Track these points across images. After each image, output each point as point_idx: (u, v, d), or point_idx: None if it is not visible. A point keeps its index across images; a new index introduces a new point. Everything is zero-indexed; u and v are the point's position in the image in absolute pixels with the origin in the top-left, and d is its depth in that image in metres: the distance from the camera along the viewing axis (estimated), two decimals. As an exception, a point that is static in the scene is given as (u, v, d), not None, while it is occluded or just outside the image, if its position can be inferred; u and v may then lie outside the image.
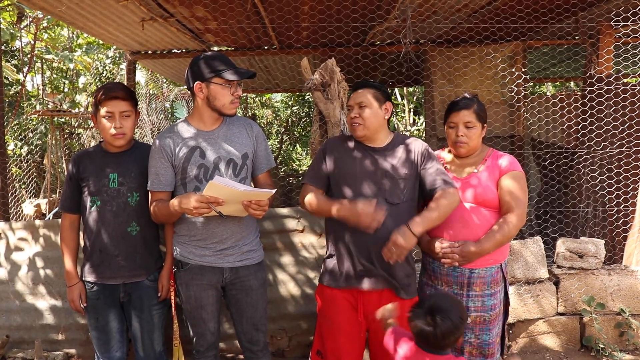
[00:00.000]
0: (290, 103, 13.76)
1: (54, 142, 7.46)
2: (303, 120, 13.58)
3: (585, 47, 4.87)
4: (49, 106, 8.59)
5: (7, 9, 6.77)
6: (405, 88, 11.89)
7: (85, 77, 8.87)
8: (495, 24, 4.60)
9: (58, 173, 7.75)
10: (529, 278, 3.25)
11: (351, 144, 2.24)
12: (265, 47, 5.91)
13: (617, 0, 4.24)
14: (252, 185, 2.34)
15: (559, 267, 3.37)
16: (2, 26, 6.69)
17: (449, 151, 2.38)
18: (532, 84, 10.44)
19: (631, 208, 4.00)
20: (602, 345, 3.19)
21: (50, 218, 6.13)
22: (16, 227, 3.07)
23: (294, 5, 4.22)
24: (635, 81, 4.81)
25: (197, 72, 2.09)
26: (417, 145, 2.19)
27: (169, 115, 11.09)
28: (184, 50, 6.01)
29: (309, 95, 11.49)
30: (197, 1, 4.11)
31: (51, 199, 6.83)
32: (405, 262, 2.13)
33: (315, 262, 3.06)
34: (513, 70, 5.40)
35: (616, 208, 4.21)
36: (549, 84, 11.80)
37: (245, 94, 11.38)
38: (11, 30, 6.93)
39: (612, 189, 4.24)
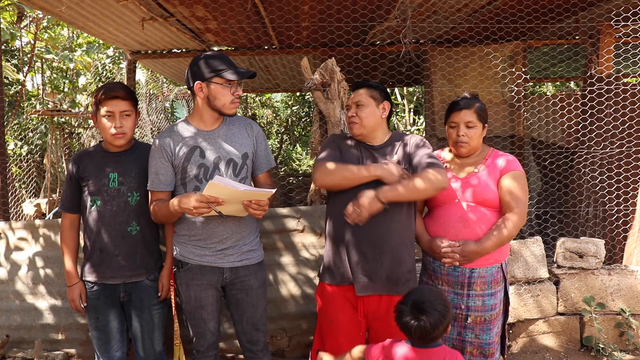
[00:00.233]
0: (290, 103, 13.76)
1: (54, 141, 7.46)
2: (303, 120, 13.59)
3: (586, 47, 4.87)
4: (49, 106, 8.59)
5: (7, 9, 6.76)
6: (405, 88, 11.90)
7: (85, 77, 8.87)
8: (495, 24, 4.60)
9: (58, 173, 7.75)
10: (529, 278, 3.25)
11: (351, 142, 2.26)
12: (266, 47, 5.91)
13: (617, 0, 4.25)
14: (252, 185, 2.34)
15: (559, 267, 3.37)
16: (2, 26, 6.69)
17: (449, 150, 2.38)
18: (532, 83, 10.44)
19: (631, 208, 4.00)
20: (602, 345, 3.19)
21: (50, 218, 6.13)
22: (16, 227, 3.07)
23: (294, 5, 4.22)
24: (635, 81, 4.81)
25: (197, 71, 2.09)
26: (413, 138, 2.21)
27: (169, 115, 11.08)
28: (184, 50, 6.01)
29: (309, 95, 11.49)
30: (197, 1, 4.11)
31: (51, 198, 6.83)
32: (406, 256, 2.13)
33: (315, 262, 3.06)
34: (513, 70, 5.40)
35: (616, 208, 4.22)
36: (549, 84, 11.81)
37: (245, 94, 11.37)
38: (11, 30, 6.93)
39: (612, 189, 4.24)
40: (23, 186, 7.84)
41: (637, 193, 3.73)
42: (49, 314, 3.02)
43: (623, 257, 3.76)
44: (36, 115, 7.54)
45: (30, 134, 8.65)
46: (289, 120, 13.86)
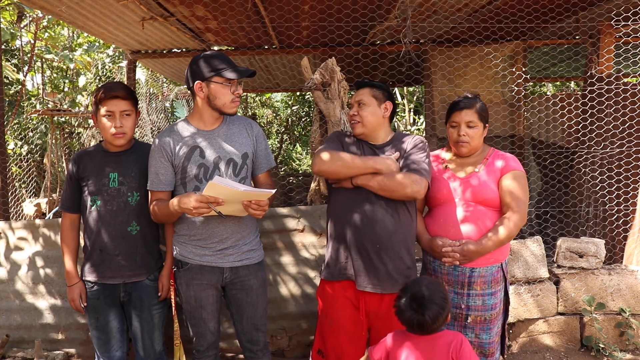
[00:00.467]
0: (290, 102, 13.75)
1: (54, 141, 7.46)
2: (303, 119, 13.57)
3: (586, 47, 4.87)
4: (49, 105, 8.59)
5: (7, 8, 6.76)
6: (405, 88, 11.89)
7: (86, 77, 8.87)
8: (495, 24, 4.60)
9: (58, 172, 7.75)
10: (529, 278, 3.25)
11: (352, 140, 2.27)
12: (266, 47, 5.90)
13: (617, 0, 4.24)
14: (252, 185, 2.34)
15: (559, 266, 3.37)
16: (2, 25, 6.68)
17: (450, 151, 2.38)
18: (532, 83, 10.44)
19: (631, 208, 4.00)
20: (602, 345, 3.19)
21: (50, 217, 6.13)
22: (16, 227, 3.07)
23: (294, 4, 4.22)
24: (636, 81, 4.81)
25: (197, 71, 2.09)
26: (413, 138, 2.22)
27: (169, 115, 11.08)
28: (184, 50, 6.01)
29: (309, 94, 11.49)
30: (197, 0, 4.11)
31: (51, 198, 6.83)
32: (405, 253, 2.13)
33: (315, 261, 3.06)
34: (513, 70, 5.40)
35: (616, 208, 4.21)
36: (549, 84, 11.80)
37: (245, 94, 11.37)
38: (11, 30, 6.93)
39: (612, 189, 4.24)
40: (23, 186, 7.84)
41: (637, 193, 3.73)
42: (49, 314, 3.02)
43: (623, 257, 3.76)
44: (36, 115, 7.54)
45: (30, 134, 8.65)
46: (289, 120, 13.85)
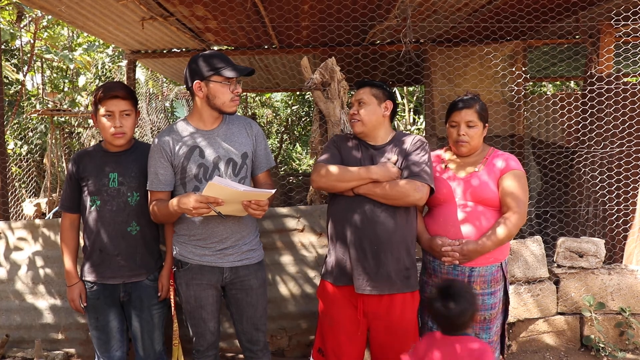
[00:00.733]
0: (290, 102, 13.75)
1: (53, 141, 7.45)
2: (303, 119, 13.57)
3: (586, 47, 4.87)
4: (49, 105, 8.59)
5: (7, 8, 6.76)
6: (405, 87, 11.89)
7: (85, 77, 8.86)
8: (495, 24, 4.60)
9: (58, 172, 7.75)
10: (529, 277, 3.25)
11: (352, 143, 2.27)
12: (265, 47, 5.90)
13: (617, 0, 4.24)
14: (252, 184, 2.34)
15: (559, 266, 3.37)
16: (1, 25, 6.68)
17: (450, 151, 2.38)
18: (532, 83, 10.44)
19: (631, 208, 4.00)
20: (602, 345, 3.19)
21: (50, 217, 6.13)
22: (16, 227, 3.06)
23: (294, 4, 4.22)
24: (636, 81, 4.81)
25: (195, 70, 2.08)
26: (413, 138, 2.22)
27: (169, 115, 11.08)
28: (184, 50, 6.00)
29: (309, 94, 11.49)
30: (197, 0, 4.11)
31: (51, 198, 6.83)
32: (405, 254, 2.13)
33: (315, 261, 3.06)
34: (513, 69, 5.40)
35: (616, 208, 4.21)
36: (549, 84, 11.80)
37: (245, 94, 11.37)
38: (11, 30, 6.93)
39: (612, 189, 4.24)
40: (23, 186, 7.84)
41: (637, 193, 3.73)
42: (49, 314, 3.02)
43: (623, 256, 3.76)
44: (36, 115, 7.54)
45: (30, 134, 8.65)
46: (289, 119, 13.84)
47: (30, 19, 7.51)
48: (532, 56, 6.54)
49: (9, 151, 7.56)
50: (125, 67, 6.13)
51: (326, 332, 2.24)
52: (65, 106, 8.63)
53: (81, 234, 2.42)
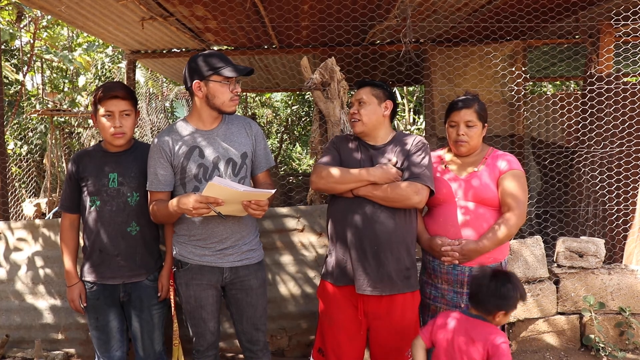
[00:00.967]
0: (290, 102, 13.75)
1: (53, 141, 7.45)
2: (303, 119, 13.57)
3: (586, 47, 4.87)
4: (49, 105, 8.59)
5: (7, 8, 6.76)
6: (405, 87, 11.89)
7: (85, 77, 8.86)
8: (495, 23, 4.60)
9: (58, 172, 7.75)
10: (529, 277, 3.25)
11: (352, 144, 2.27)
12: (265, 47, 5.90)
13: (617, 0, 4.24)
14: (252, 184, 2.33)
15: (559, 266, 3.36)
16: (1, 25, 6.68)
17: (450, 151, 2.38)
18: (532, 83, 10.44)
19: (631, 207, 4.00)
20: (602, 345, 3.19)
21: (50, 217, 6.13)
22: (16, 227, 3.06)
23: (293, 4, 4.22)
24: (635, 81, 4.81)
25: (195, 70, 2.08)
26: (414, 139, 2.22)
27: (169, 115, 11.08)
28: (183, 50, 6.01)
29: (308, 94, 11.48)
30: (197, 0, 4.11)
31: (51, 198, 6.83)
32: (405, 254, 2.13)
33: (315, 261, 3.06)
34: (513, 69, 5.40)
35: (616, 207, 4.21)
36: (549, 84, 11.80)
37: (245, 94, 11.36)
38: (10, 30, 6.92)
39: (612, 189, 4.24)
40: (23, 186, 7.84)
41: (637, 193, 3.73)
42: (49, 314, 3.01)
43: (623, 256, 3.76)
44: (36, 115, 7.54)
45: (30, 134, 8.65)
46: (289, 119, 13.84)
47: (30, 19, 7.51)
48: (532, 56, 6.54)
49: (9, 151, 7.56)
50: (125, 68, 6.13)
51: (326, 332, 2.24)
52: (65, 106, 8.63)
53: (81, 234, 2.42)
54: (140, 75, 9.13)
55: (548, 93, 10.80)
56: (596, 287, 3.30)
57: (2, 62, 4.51)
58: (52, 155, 7.46)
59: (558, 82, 11.10)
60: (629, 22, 4.10)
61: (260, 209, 2.01)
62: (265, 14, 4.46)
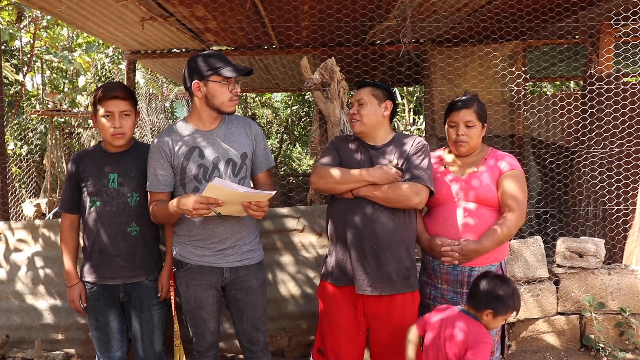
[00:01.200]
0: (290, 102, 13.75)
1: (53, 141, 7.45)
2: (303, 119, 13.57)
3: (585, 47, 4.87)
4: (49, 106, 8.59)
5: (7, 9, 6.76)
6: (405, 88, 11.89)
7: (85, 77, 8.86)
8: (495, 24, 4.60)
9: (58, 173, 7.75)
10: (529, 277, 3.25)
11: (352, 145, 2.27)
12: (265, 47, 5.91)
13: (617, 0, 4.24)
14: (252, 184, 2.33)
15: (559, 266, 3.36)
16: (1, 26, 6.68)
17: (449, 151, 2.38)
18: (532, 83, 10.44)
19: (631, 208, 4.00)
20: (602, 345, 3.19)
21: (50, 218, 6.13)
22: (16, 227, 3.06)
23: (293, 4, 4.22)
24: (635, 81, 4.81)
25: (194, 70, 2.08)
26: (414, 140, 2.22)
27: (169, 115, 11.08)
28: (183, 50, 6.01)
29: (308, 94, 11.49)
30: (197, 1, 4.11)
31: (51, 198, 6.83)
32: (405, 254, 2.13)
33: (315, 261, 3.06)
34: (513, 69, 5.40)
35: (616, 208, 4.21)
36: (548, 84, 11.80)
37: (245, 94, 11.37)
38: (10, 30, 6.92)
39: (612, 189, 4.24)
40: (23, 186, 7.84)
41: (637, 193, 3.73)
42: (49, 314, 3.01)
43: (623, 256, 3.76)
44: (36, 116, 7.54)
45: (30, 134, 8.65)
46: (289, 120, 13.85)
47: (30, 19, 7.51)
48: (532, 56, 6.54)
49: (9, 152, 7.56)
50: (125, 68, 6.13)
51: (326, 333, 2.24)
52: (65, 107, 8.63)
53: (81, 235, 2.42)
54: (140, 77, 9.13)
55: (548, 93, 10.81)
56: (596, 287, 3.30)
57: (2, 62, 4.51)
58: (52, 156, 7.46)
59: (558, 82, 11.10)
60: (629, 22, 4.10)
61: (260, 209, 2.01)
62: (265, 14, 4.46)
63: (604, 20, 4.41)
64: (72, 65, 7.50)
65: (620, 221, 4.12)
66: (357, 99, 2.23)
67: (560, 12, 4.49)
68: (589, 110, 4.37)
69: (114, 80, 8.42)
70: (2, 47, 7.14)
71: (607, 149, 4.33)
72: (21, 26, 7.41)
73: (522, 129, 5.72)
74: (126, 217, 2.26)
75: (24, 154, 8.38)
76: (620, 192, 4.17)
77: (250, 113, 13.42)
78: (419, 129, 12.13)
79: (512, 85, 5.45)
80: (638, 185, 3.83)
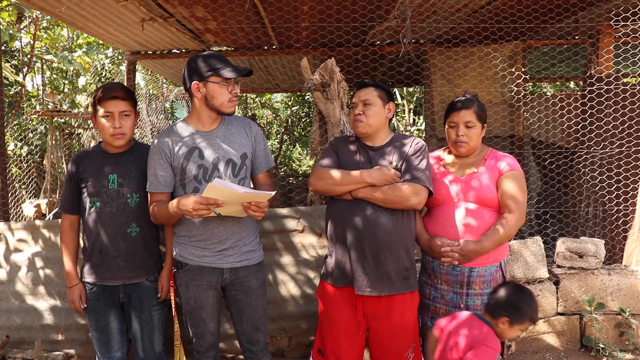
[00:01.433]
0: (290, 103, 13.76)
1: (53, 142, 7.46)
2: (303, 120, 13.58)
3: (585, 47, 4.87)
4: (49, 106, 8.59)
5: (7, 9, 6.77)
6: (405, 88, 11.89)
7: (85, 78, 8.87)
8: (495, 24, 4.60)
9: (58, 173, 7.75)
10: (529, 278, 3.25)
11: (351, 146, 2.27)
12: (265, 47, 5.91)
13: (617, 0, 4.25)
14: (252, 184, 2.34)
15: (559, 266, 3.37)
16: (1, 26, 6.69)
17: (449, 152, 2.38)
18: (532, 84, 10.44)
19: (631, 208, 4.00)
20: (602, 345, 3.19)
21: (50, 218, 6.13)
22: (16, 228, 3.06)
23: (293, 5, 4.22)
24: (635, 81, 4.81)
25: (194, 71, 2.08)
26: (413, 141, 2.22)
27: (169, 116, 11.08)
28: (183, 51, 6.01)
29: (308, 95, 11.49)
30: (197, 1, 4.11)
31: (51, 199, 6.84)
32: (404, 254, 2.13)
33: (315, 262, 3.06)
34: (513, 70, 5.40)
35: (616, 208, 4.22)
36: (548, 84, 11.81)
37: (245, 94, 11.37)
38: (10, 31, 6.93)
39: (612, 189, 4.24)
40: (23, 187, 7.84)
41: (637, 193, 3.73)
42: (49, 315, 3.01)
43: (623, 257, 3.76)
44: (36, 116, 7.54)
45: (30, 135, 8.65)
46: (289, 120, 13.85)
47: (30, 20, 7.51)
48: (531, 57, 6.54)
49: (9, 152, 7.56)
50: (125, 69, 6.14)
51: (326, 333, 2.24)
52: (65, 107, 8.63)
53: (81, 235, 2.42)
54: (140, 78, 9.14)
55: (548, 94, 10.81)
56: (596, 288, 3.30)
57: (2, 63, 4.51)
58: (52, 156, 7.46)
59: (558, 83, 11.10)
60: (628, 23, 4.11)
61: (260, 210, 2.01)
62: (265, 15, 4.46)
63: (604, 21, 4.41)
64: (72, 66, 7.50)
65: (620, 221, 4.12)
66: (363, 100, 2.21)
67: (560, 12, 4.50)
68: (589, 111, 4.37)
69: (114, 81, 8.42)
70: (2, 48, 7.15)
71: (607, 150, 4.33)
72: (21, 27, 7.42)
73: (522, 129, 5.72)
74: (126, 217, 2.26)
75: (24, 154, 8.38)
76: (620, 192, 4.17)
77: (250, 114, 13.42)
78: (418, 130, 12.13)
79: (512, 86, 5.46)
80: (638, 186, 3.83)
